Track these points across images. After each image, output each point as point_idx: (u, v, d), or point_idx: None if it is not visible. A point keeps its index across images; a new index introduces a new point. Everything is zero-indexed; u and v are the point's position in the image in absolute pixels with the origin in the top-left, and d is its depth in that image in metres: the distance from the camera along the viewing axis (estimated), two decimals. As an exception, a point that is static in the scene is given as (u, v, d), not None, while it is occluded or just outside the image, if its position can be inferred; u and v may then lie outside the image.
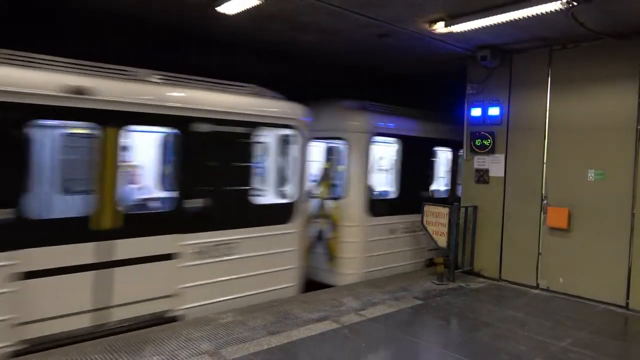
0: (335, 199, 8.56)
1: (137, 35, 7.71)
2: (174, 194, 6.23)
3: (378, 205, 8.68)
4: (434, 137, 9.72)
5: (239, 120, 6.63)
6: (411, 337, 5.79)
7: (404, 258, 9.25)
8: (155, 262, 5.91)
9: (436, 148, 9.95)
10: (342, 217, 8.37)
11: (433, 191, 10.03)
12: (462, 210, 8.77)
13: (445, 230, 8.36)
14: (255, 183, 7.10)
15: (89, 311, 5.43)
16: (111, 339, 5.32)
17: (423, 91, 11.38)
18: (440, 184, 10.72)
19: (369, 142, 8.47)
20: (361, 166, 8.42)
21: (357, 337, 5.68)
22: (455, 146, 10.06)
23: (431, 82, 11.07)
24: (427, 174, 9.80)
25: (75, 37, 6.85)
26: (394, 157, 9.16)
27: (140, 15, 7.05)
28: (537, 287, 8.07)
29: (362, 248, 8.45)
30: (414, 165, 9.30)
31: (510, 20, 6.32)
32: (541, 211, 8.03)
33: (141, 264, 5.79)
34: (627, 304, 7.09)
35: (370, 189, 8.61)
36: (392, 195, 9.15)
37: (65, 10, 6.91)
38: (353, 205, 8.39)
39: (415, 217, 9.04)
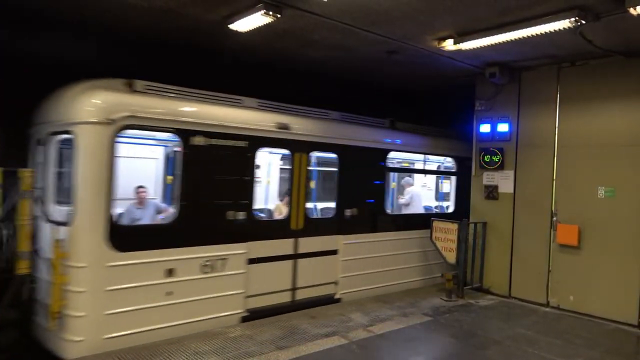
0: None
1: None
2: (336, 204, 7.82)
3: None
4: None
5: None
6: (420, 354, 5.75)
7: None
8: (326, 256, 7.61)
9: None
10: None
11: None
12: (471, 226, 8.76)
13: (454, 246, 8.33)
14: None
15: (287, 290, 7.13)
16: (120, 351, 5.35)
17: (432, 107, 11.42)
18: None
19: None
20: None
21: (366, 353, 5.66)
22: None
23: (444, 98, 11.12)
24: None
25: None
26: None
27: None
28: (547, 304, 7.99)
29: None
30: None
31: (519, 38, 6.36)
32: (551, 228, 7.99)
33: (318, 257, 7.51)
34: (639, 323, 7.00)
35: None
36: None
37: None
38: None
39: None
